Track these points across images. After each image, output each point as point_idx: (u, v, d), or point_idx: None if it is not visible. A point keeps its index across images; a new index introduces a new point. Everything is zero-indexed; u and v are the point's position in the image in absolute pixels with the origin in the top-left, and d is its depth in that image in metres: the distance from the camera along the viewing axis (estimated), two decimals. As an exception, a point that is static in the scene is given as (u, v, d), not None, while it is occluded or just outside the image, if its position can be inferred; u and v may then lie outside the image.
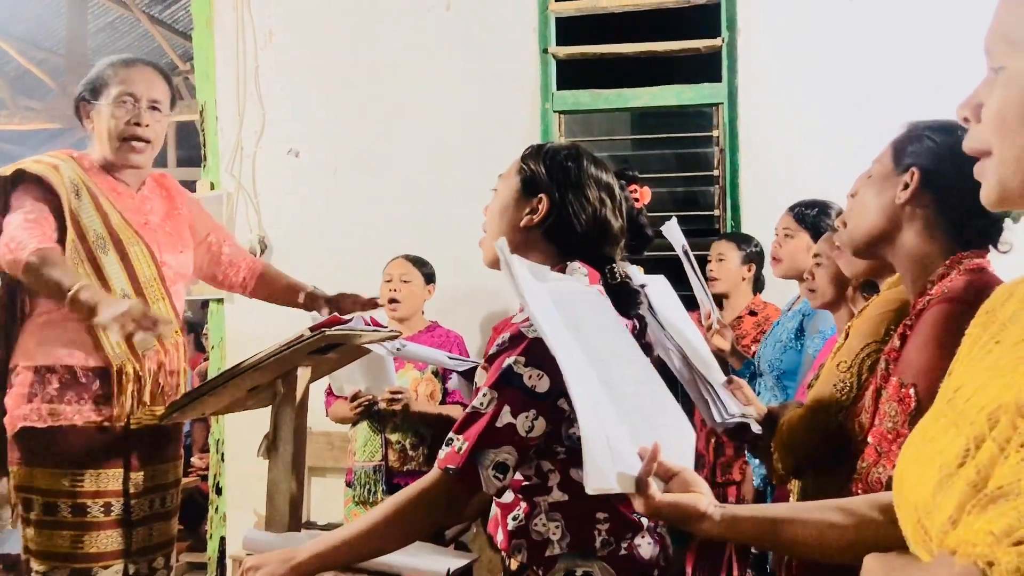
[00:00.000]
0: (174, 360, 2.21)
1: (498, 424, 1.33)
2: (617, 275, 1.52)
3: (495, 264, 1.55)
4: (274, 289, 2.49)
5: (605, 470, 1.12)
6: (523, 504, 1.42)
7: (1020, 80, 0.78)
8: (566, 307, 1.31)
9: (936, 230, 1.42)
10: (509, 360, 1.35)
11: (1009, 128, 0.80)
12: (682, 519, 1.13)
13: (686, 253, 2.25)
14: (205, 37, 4.02)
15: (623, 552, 1.40)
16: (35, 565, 2.07)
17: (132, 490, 2.14)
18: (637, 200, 2.48)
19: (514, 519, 1.43)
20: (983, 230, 1.41)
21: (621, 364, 1.31)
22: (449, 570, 1.52)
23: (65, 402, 2.07)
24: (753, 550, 2.00)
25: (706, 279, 3.22)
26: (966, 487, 0.71)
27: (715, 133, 3.67)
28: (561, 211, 1.49)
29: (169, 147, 9.53)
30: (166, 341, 2.17)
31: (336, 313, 2.26)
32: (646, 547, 1.42)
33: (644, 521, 1.43)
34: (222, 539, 3.94)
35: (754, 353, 2.94)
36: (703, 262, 3.30)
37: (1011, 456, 0.69)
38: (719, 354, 2.87)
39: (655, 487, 1.13)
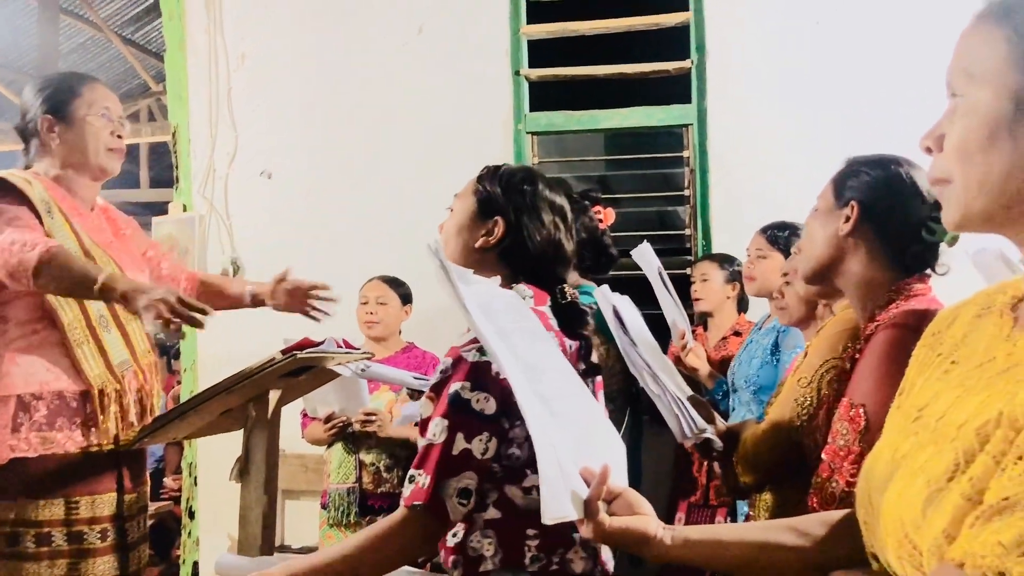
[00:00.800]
0: (151, 381, 2.20)
1: (454, 452, 1.34)
2: (567, 295, 1.54)
3: None
4: (216, 294, 2.47)
5: (561, 497, 1.09)
6: (461, 522, 1.42)
7: (979, 110, 0.83)
8: (489, 312, 1.28)
9: (877, 258, 1.48)
10: (455, 387, 1.36)
11: (970, 156, 0.84)
12: (633, 543, 1.11)
13: (660, 275, 2.28)
14: (178, 59, 4.02)
15: (554, 567, 1.42)
16: None
17: (126, 513, 2.11)
18: (601, 221, 2.51)
19: (453, 536, 1.44)
20: (921, 255, 1.48)
21: (551, 375, 1.29)
22: (421, 592, 1.52)
23: (56, 428, 2.02)
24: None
25: (691, 299, 3.25)
26: (961, 501, 0.74)
27: (686, 154, 3.71)
28: (517, 234, 1.52)
29: (141, 168, 9.48)
30: (142, 361, 2.16)
31: (281, 298, 2.34)
32: (578, 562, 1.44)
33: (576, 536, 1.43)
34: (195, 564, 3.90)
35: (724, 372, 2.97)
36: (683, 282, 3.33)
37: (1009, 468, 0.72)
38: (692, 374, 2.89)
39: (603, 511, 1.11)
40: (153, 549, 4.65)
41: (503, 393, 1.36)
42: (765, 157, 3.52)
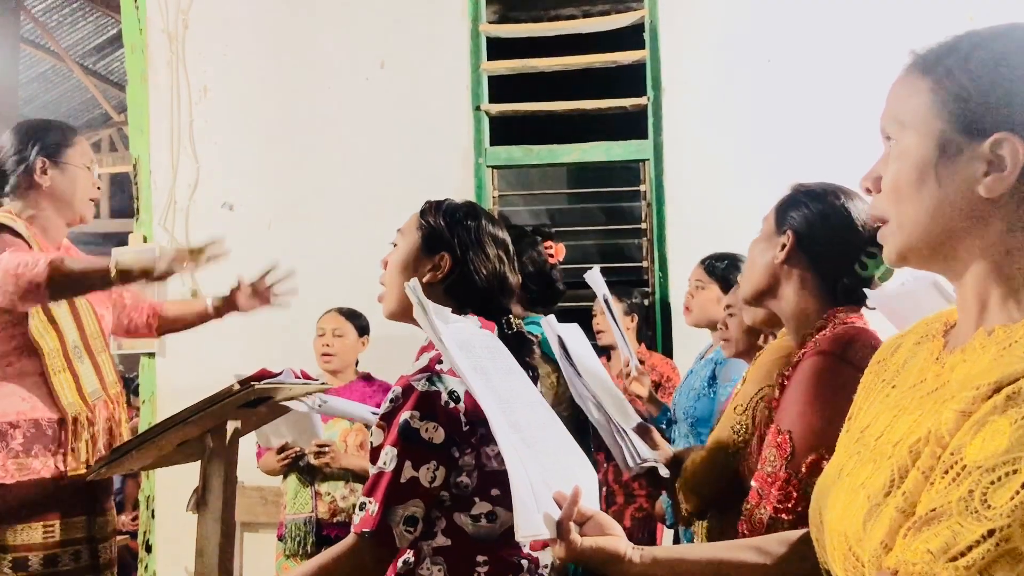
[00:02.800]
0: (118, 411, 2.25)
1: (402, 480, 1.38)
2: (513, 326, 1.59)
3: (396, 316, 1.62)
4: (179, 315, 2.56)
5: (533, 517, 1.15)
6: (410, 550, 1.46)
7: (909, 154, 0.89)
8: (469, 349, 1.35)
9: (810, 287, 1.52)
10: (405, 416, 1.40)
11: (902, 196, 0.90)
12: (605, 562, 1.17)
13: (606, 301, 2.33)
14: (140, 91, 4.03)
15: None
16: None
17: (98, 535, 2.17)
18: (551, 256, 2.56)
19: (404, 564, 1.47)
20: (852, 289, 1.51)
21: (525, 407, 1.35)
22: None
23: (32, 455, 2.08)
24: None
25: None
26: (895, 513, 0.79)
27: (643, 188, 3.79)
28: (463, 268, 1.57)
29: (103, 199, 9.41)
30: (110, 391, 2.23)
31: (246, 302, 2.46)
32: None
33: (524, 563, 1.48)
34: (151, 598, 3.85)
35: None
36: (640, 312, 3.41)
37: (936, 482, 0.77)
38: (636, 401, 2.94)
39: (575, 531, 1.16)
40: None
41: (451, 422, 1.40)
42: (719, 191, 3.61)
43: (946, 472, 0.76)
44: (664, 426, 2.84)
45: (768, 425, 1.48)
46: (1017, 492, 0.70)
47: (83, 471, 2.13)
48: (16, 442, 2.07)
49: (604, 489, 3.11)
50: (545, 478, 1.21)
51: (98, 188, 2.32)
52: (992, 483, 0.71)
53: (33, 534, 2.06)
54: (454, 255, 1.57)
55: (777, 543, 1.14)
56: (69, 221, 2.29)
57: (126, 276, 1.94)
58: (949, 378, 0.85)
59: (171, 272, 1.96)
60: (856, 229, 1.49)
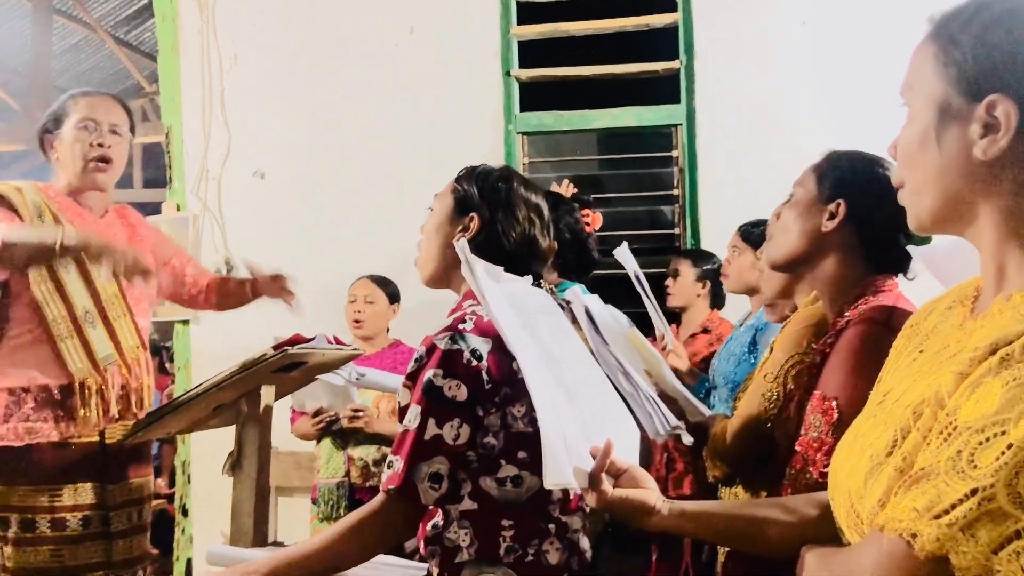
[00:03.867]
0: (137, 376, 2.25)
1: (426, 437, 1.40)
2: (544, 290, 1.59)
3: (432, 282, 1.65)
4: (231, 293, 2.59)
5: (562, 465, 1.18)
6: (439, 512, 1.47)
7: (916, 119, 0.91)
8: (520, 307, 1.38)
9: (855, 257, 1.51)
10: (428, 374, 1.41)
11: (910, 161, 0.92)
12: (632, 513, 1.21)
13: (637, 277, 2.31)
14: (170, 61, 4.05)
15: (529, 558, 1.46)
16: None
17: (110, 503, 2.18)
18: (588, 224, 2.54)
19: (433, 527, 1.48)
20: (897, 258, 1.52)
21: (572, 364, 1.38)
22: (408, 580, 1.55)
23: (41, 420, 2.11)
24: (704, 557, 2.06)
25: (664, 294, 3.29)
26: (893, 472, 0.80)
27: (675, 153, 3.75)
28: (491, 229, 1.57)
29: (135, 169, 9.49)
30: (128, 357, 2.22)
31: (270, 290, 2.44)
32: (554, 553, 1.48)
33: (552, 527, 1.49)
34: (188, 561, 3.93)
35: (706, 370, 3.00)
36: (662, 278, 3.37)
37: (932, 442, 0.78)
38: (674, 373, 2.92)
39: (607, 483, 1.20)
40: (156, 547, 4.70)
41: (474, 380, 1.42)
42: (752, 156, 3.56)
43: (941, 432, 0.77)
44: (702, 396, 2.83)
45: (805, 391, 1.48)
46: (1003, 453, 0.70)
47: (95, 437, 2.16)
48: (28, 406, 2.11)
49: (665, 455, 3.10)
50: (587, 432, 1.25)
51: (99, 145, 2.23)
52: (980, 443, 0.72)
53: (40, 497, 2.10)
54: (483, 216, 1.58)
55: (805, 503, 1.16)
56: (84, 187, 2.25)
57: (68, 251, 1.94)
58: (966, 344, 0.85)
59: (104, 264, 1.92)
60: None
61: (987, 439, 0.72)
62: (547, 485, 1.17)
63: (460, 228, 1.59)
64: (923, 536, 0.74)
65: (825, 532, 1.07)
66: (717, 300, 3.35)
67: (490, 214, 1.58)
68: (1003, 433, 0.71)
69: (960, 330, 0.90)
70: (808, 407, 1.43)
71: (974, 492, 0.71)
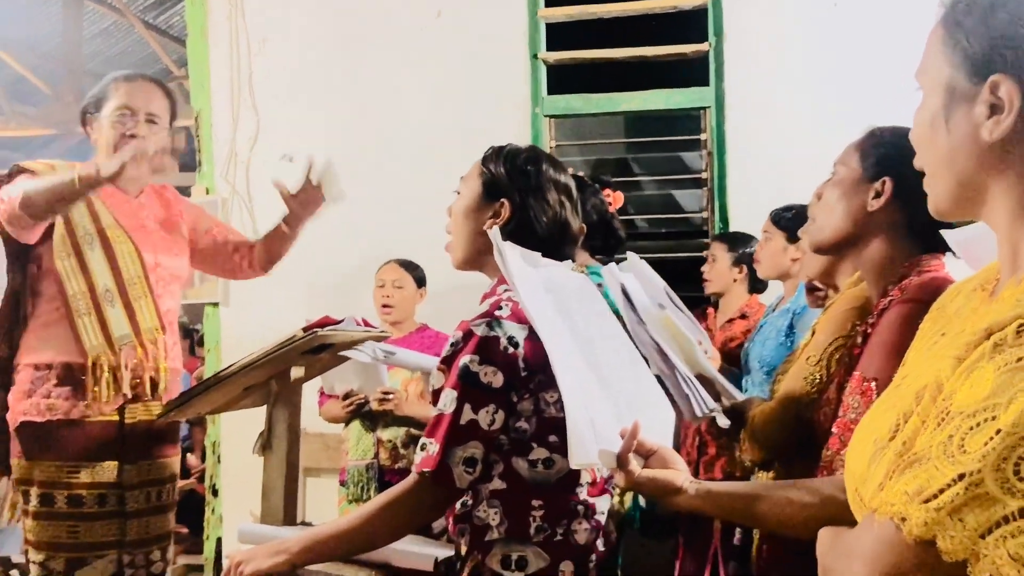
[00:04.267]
0: (154, 357, 2.25)
1: (462, 422, 1.41)
2: (580, 273, 1.59)
3: (463, 267, 1.63)
4: (272, 241, 2.52)
5: (588, 446, 1.21)
6: (469, 492, 1.48)
7: (927, 103, 0.91)
8: (556, 292, 1.39)
9: (902, 236, 1.48)
10: (464, 360, 1.42)
11: (923, 144, 0.92)
12: (660, 493, 1.24)
13: (667, 293, 2.28)
14: (199, 44, 4.07)
15: (558, 537, 1.47)
16: (32, 555, 2.15)
17: (127, 483, 2.21)
18: (610, 204, 2.53)
19: (461, 506, 1.50)
20: (940, 236, 1.47)
21: (607, 346, 1.39)
22: (437, 559, 1.57)
23: (62, 397, 2.14)
24: (736, 541, 2.05)
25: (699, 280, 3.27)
26: (893, 456, 0.81)
27: (703, 136, 3.72)
28: (523, 214, 1.55)
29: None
30: (145, 338, 2.23)
31: (301, 206, 2.38)
32: (582, 533, 1.49)
33: (580, 508, 1.50)
34: (219, 540, 3.98)
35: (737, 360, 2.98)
36: (690, 263, 3.36)
37: (928, 426, 0.78)
38: None
39: (635, 463, 1.23)
40: (186, 526, 4.77)
41: (510, 367, 1.42)
42: (782, 139, 3.53)
43: (936, 417, 0.78)
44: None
45: (847, 374, 1.46)
46: (991, 438, 0.70)
47: (114, 417, 2.19)
48: (50, 383, 2.15)
49: (697, 439, 3.10)
50: (619, 414, 1.27)
51: (131, 136, 2.21)
52: (971, 428, 0.72)
53: (59, 473, 2.13)
54: (514, 202, 1.56)
55: (829, 485, 1.16)
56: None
57: (88, 182, 1.95)
58: (980, 326, 0.85)
59: (122, 167, 1.91)
60: None
61: (977, 424, 0.72)
62: (572, 465, 1.20)
63: (491, 214, 1.58)
64: (912, 520, 0.74)
65: (840, 511, 1.07)
66: (757, 284, 3.29)
67: (521, 199, 1.56)
68: (993, 419, 0.71)
69: (976, 314, 0.90)
70: (847, 388, 1.42)
71: (962, 477, 0.71)
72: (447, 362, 1.46)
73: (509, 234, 1.54)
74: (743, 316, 3.23)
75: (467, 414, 1.41)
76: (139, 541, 2.23)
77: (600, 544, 1.55)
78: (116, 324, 2.19)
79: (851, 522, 1.00)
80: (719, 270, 3.25)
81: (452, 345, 1.47)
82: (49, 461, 2.14)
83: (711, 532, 2.95)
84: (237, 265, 2.55)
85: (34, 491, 2.14)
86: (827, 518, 1.06)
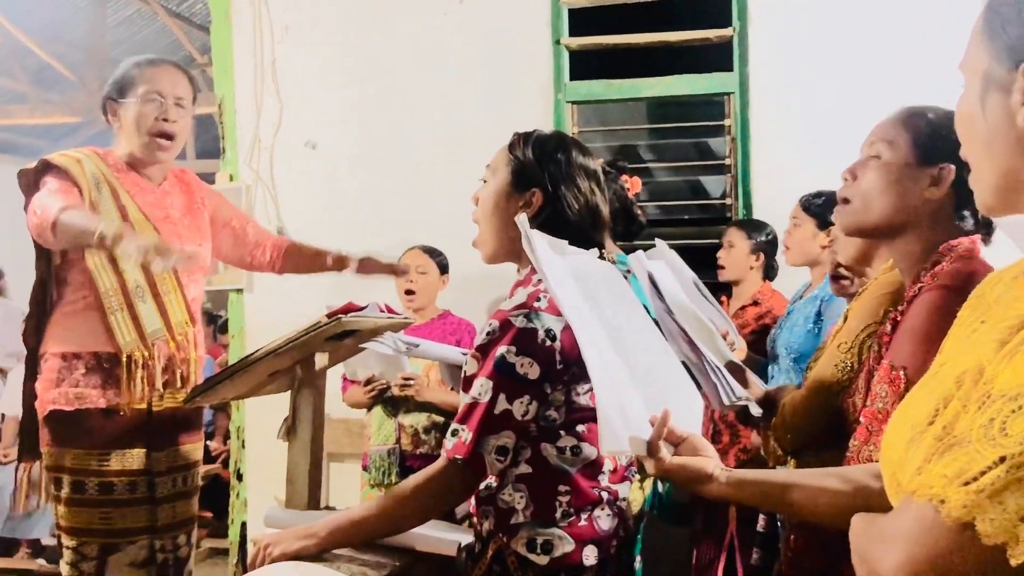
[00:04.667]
0: (184, 350, 2.28)
1: (496, 411, 1.41)
2: (605, 259, 1.57)
3: (494, 260, 1.61)
4: (302, 259, 2.58)
5: (618, 433, 1.21)
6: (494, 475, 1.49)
7: (967, 93, 0.90)
8: (584, 279, 1.39)
9: (950, 223, 1.45)
10: (501, 350, 1.42)
11: (963, 136, 0.92)
12: (690, 480, 1.23)
13: (696, 285, 2.26)
14: (223, 31, 4.09)
15: (583, 523, 1.48)
16: (65, 540, 2.17)
17: (155, 469, 2.23)
18: (628, 190, 2.52)
19: (486, 488, 1.51)
20: (987, 224, 1.44)
21: (635, 334, 1.39)
22: (460, 544, 1.58)
23: (90, 386, 2.16)
24: (760, 528, 2.04)
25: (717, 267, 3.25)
26: (932, 440, 0.80)
27: (727, 122, 3.70)
28: (555, 204, 1.53)
29: (189, 139, 9.60)
30: (176, 331, 2.25)
31: (362, 271, 2.45)
32: (605, 519, 1.50)
33: (603, 495, 1.50)
34: (243, 524, 4.02)
35: (754, 343, 2.96)
36: (713, 250, 3.34)
37: (970, 411, 0.77)
38: None
39: (665, 451, 1.23)
40: (211, 510, 4.82)
41: (546, 360, 1.42)
42: (807, 125, 3.50)
43: (977, 400, 0.77)
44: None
45: (877, 361, 1.44)
46: None
47: (143, 405, 2.20)
48: (78, 372, 2.16)
49: (711, 427, 3.09)
50: (648, 402, 1.26)
51: (164, 120, 2.23)
52: (1013, 411, 0.71)
53: (90, 461, 2.15)
54: (545, 191, 1.54)
55: (863, 473, 1.15)
56: (145, 160, 2.26)
57: (101, 243, 1.91)
58: (1021, 312, 0.84)
59: (136, 255, 1.87)
60: None
61: (1020, 407, 0.71)
62: (603, 452, 1.22)
63: (522, 204, 1.55)
64: (951, 502, 0.73)
65: (883, 503, 1.06)
66: (770, 272, 3.30)
67: (553, 187, 1.53)
68: None
69: (1018, 301, 0.89)
70: (876, 377, 1.40)
71: (1003, 459, 0.70)
72: (482, 350, 1.46)
73: (541, 223, 1.51)
74: (755, 303, 3.22)
75: (502, 404, 1.41)
76: (169, 526, 2.26)
77: (621, 530, 1.56)
78: (148, 319, 2.20)
79: (885, 510, 1.00)
80: (736, 257, 3.24)
81: (488, 334, 1.46)
82: (79, 449, 2.15)
83: (727, 519, 2.95)
84: (255, 259, 2.57)
85: (65, 478, 2.16)
86: (861, 507, 1.05)
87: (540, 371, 1.42)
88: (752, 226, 3.30)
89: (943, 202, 1.44)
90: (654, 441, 1.22)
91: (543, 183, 1.54)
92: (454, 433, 1.44)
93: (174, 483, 2.28)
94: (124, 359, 2.16)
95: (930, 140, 1.44)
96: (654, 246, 2.06)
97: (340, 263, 2.51)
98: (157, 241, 1.90)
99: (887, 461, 0.90)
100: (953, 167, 1.41)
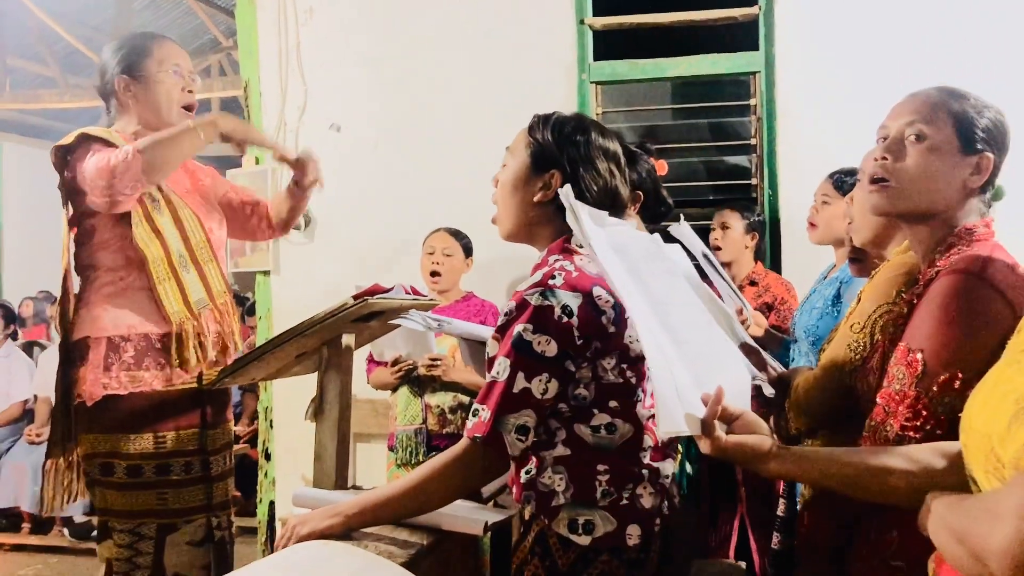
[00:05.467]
0: (228, 320, 2.28)
1: (515, 390, 1.41)
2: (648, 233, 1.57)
3: (513, 236, 1.62)
4: (282, 202, 2.54)
5: (675, 414, 1.19)
6: (533, 459, 1.50)
7: None
8: (624, 252, 1.38)
9: (975, 211, 1.44)
10: (518, 328, 1.43)
11: None
12: (748, 459, 1.22)
13: (706, 256, 2.27)
14: (248, 14, 4.10)
15: (624, 502, 1.48)
16: (117, 524, 2.15)
17: (210, 447, 2.24)
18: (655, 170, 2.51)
19: (526, 473, 1.51)
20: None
21: (680, 309, 1.38)
22: (487, 523, 1.59)
23: (143, 368, 2.15)
24: (780, 512, 2.04)
25: (710, 248, 3.25)
26: None
27: (752, 102, 3.67)
28: (574, 186, 1.52)
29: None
30: (217, 302, 2.26)
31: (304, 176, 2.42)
32: (648, 497, 1.50)
33: (645, 473, 1.50)
34: (271, 503, 4.07)
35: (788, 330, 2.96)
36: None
37: None
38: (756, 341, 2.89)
39: (719, 429, 1.22)
40: (239, 490, 4.86)
41: (564, 336, 1.42)
42: (833, 104, 3.46)
43: None
44: (782, 355, 2.79)
45: (891, 343, 1.44)
46: None
47: (193, 384, 2.20)
48: (128, 355, 2.14)
49: None
50: (697, 378, 1.25)
51: (189, 92, 2.26)
52: None
53: (145, 444, 2.14)
54: (564, 172, 1.55)
55: (930, 452, 1.15)
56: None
57: (209, 129, 2.00)
58: None
59: (245, 130, 1.99)
60: None
61: None
62: (660, 435, 1.21)
63: (540, 186, 1.56)
64: None
65: (949, 482, 1.05)
66: (758, 253, 3.35)
67: (572, 169, 1.54)
68: None
69: None
70: (892, 359, 1.39)
71: None
72: (501, 331, 1.48)
73: (560, 205, 1.50)
74: (752, 283, 3.23)
75: (520, 382, 1.42)
76: (221, 504, 2.27)
77: (665, 507, 1.56)
78: (193, 289, 2.20)
79: (953, 489, 0.98)
80: (733, 238, 3.29)
81: (506, 314, 1.47)
82: (135, 432, 2.14)
83: (739, 497, 2.96)
84: (256, 226, 2.55)
85: (119, 463, 2.15)
86: (927, 487, 1.04)
87: (558, 348, 1.42)
88: (745, 207, 3.37)
89: (979, 190, 1.43)
90: (709, 420, 1.21)
91: (562, 165, 1.55)
92: (475, 413, 1.45)
93: (224, 461, 2.30)
94: (175, 331, 2.15)
95: (972, 127, 1.41)
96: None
97: (300, 184, 2.48)
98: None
99: (980, 436, 0.88)
100: (992, 155, 1.40)
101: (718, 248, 3.30)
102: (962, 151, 1.41)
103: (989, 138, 1.41)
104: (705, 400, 1.22)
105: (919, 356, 1.33)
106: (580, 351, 1.45)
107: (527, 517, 1.52)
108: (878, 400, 1.38)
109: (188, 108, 2.27)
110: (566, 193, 1.37)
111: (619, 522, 1.47)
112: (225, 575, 2.25)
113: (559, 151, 1.56)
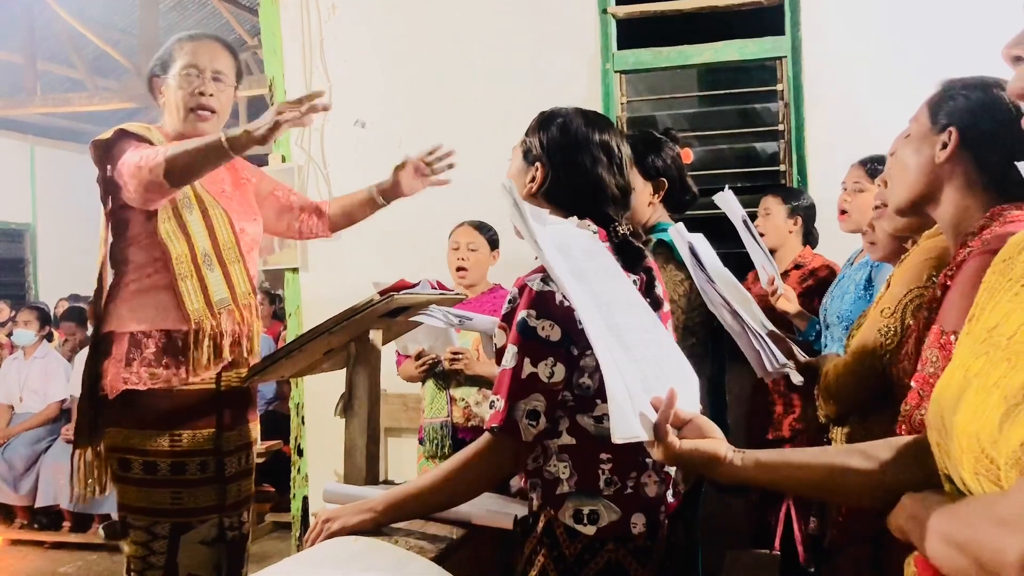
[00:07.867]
0: (248, 322, 2.28)
1: (522, 376, 1.42)
2: (620, 232, 1.57)
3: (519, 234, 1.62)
4: (346, 210, 2.56)
5: (630, 419, 1.14)
6: (539, 447, 1.50)
7: None
8: (566, 251, 1.36)
9: (976, 185, 1.42)
10: (522, 314, 1.44)
11: None
12: (703, 465, 1.16)
13: (745, 223, 2.25)
14: (271, 13, 4.12)
15: (628, 491, 1.48)
16: (134, 520, 2.18)
17: (225, 448, 2.25)
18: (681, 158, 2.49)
19: (533, 461, 1.52)
20: (1021, 183, 1.40)
21: (625, 310, 1.35)
22: (516, 517, 1.59)
23: (162, 365, 2.16)
24: (811, 528, 2.03)
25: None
26: None
27: (779, 87, 3.63)
28: (555, 176, 1.58)
29: (240, 121, 9.74)
30: (240, 302, 2.26)
31: (410, 183, 2.49)
32: (652, 486, 1.50)
33: (648, 461, 1.50)
34: (305, 499, 4.11)
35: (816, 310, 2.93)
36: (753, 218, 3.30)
37: None
38: (785, 317, 2.87)
39: (672, 435, 1.16)
40: (272, 485, 4.90)
41: (566, 320, 1.43)
42: (861, 89, 3.42)
43: None
44: (813, 338, 2.77)
45: (925, 326, 1.42)
46: None
47: (212, 384, 2.21)
48: (149, 351, 2.16)
49: (767, 398, 3.08)
50: (644, 381, 1.21)
51: (201, 93, 2.23)
52: None
53: (162, 441, 2.16)
54: (545, 165, 1.60)
55: (887, 448, 1.10)
56: (188, 134, 2.21)
57: (236, 143, 1.97)
58: None
59: (277, 127, 1.94)
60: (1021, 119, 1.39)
61: None
62: (615, 440, 1.13)
63: (529, 179, 1.61)
64: None
65: (903, 477, 1.03)
66: (809, 238, 3.29)
67: (551, 162, 1.59)
68: None
69: None
70: (926, 342, 1.38)
71: None
72: (507, 319, 1.50)
73: (543, 196, 1.59)
74: (797, 267, 3.20)
75: (527, 368, 1.43)
76: (235, 504, 2.28)
77: (670, 496, 1.56)
78: (215, 288, 2.21)
79: (908, 486, 0.96)
80: (775, 223, 3.26)
81: (509, 302, 1.50)
82: (152, 429, 2.16)
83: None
84: (304, 225, 2.56)
85: (136, 459, 2.17)
86: (890, 484, 1.01)
87: (562, 332, 1.43)
88: (787, 192, 3.33)
89: (962, 165, 1.41)
90: (661, 424, 1.15)
91: (543, 158, 1.60)
92: (492, 404, 1.46)
93: (239, 461, 2.31)
94: (192, 329, 2.16)
95: (941, 107, 1.43)
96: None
97: (389, 196, 2.53)
98: (282, 103, 1.96)
99: (966, 435, 0.85)
100: (955, 130, 1.39)
101: (761, 234, 3.26)
102: (932, 132, 1.43)
103: (954, 113, 1.40)
104: (656, 404, 1.17)
105: (953, 339, 1.31)
106: (582, 336, 1.43)
107: (535, 507, 1.53)
108: (912, 384, 1.37)
109: (203, 109, 2.24)
110: (509, 188, 1.36)
111: (623, 511, 1.48)
112: (237, 574, 2.28)
113: (541, 145, 1.61)
